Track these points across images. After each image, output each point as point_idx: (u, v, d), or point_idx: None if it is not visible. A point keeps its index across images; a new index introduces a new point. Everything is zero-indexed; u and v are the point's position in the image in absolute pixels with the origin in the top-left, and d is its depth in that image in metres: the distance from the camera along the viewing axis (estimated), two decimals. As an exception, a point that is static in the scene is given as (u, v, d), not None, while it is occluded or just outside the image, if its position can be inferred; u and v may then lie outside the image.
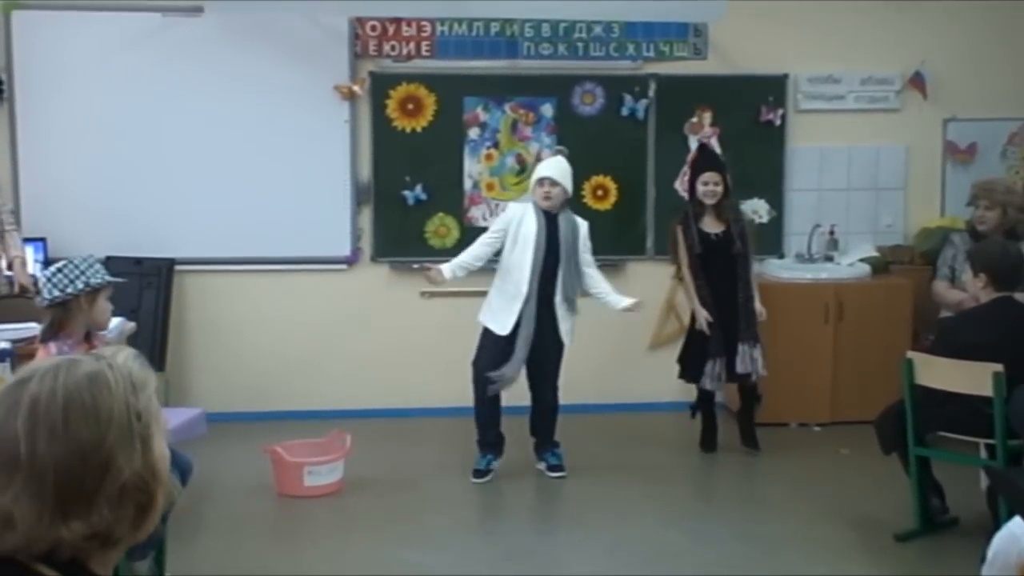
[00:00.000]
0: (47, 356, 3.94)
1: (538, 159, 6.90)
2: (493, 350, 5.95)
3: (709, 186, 6.24)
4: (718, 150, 7.17)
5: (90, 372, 1.45)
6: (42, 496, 1.38)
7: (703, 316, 6.23)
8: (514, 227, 5.92)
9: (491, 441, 6.09)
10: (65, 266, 4.12)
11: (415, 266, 7.17)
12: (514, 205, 6.17)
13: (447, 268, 5.96)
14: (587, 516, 5.51)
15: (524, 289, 5.86)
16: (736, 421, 6.60)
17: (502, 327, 5.92)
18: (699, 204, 6.29)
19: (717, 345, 6.24)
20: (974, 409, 4.75)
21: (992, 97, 7.47)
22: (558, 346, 5.98)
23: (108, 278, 4.21)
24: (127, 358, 1.51)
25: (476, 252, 6.01)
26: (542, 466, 6.14)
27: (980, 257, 5.06)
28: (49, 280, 4.10)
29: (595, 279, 6.07)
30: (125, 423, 1.43)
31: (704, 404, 6.53)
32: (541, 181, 5.93)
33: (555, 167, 5.99)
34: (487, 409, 6.04)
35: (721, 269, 6.26)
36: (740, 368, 6.26)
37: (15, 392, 1.43)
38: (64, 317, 4.12)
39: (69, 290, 4.08)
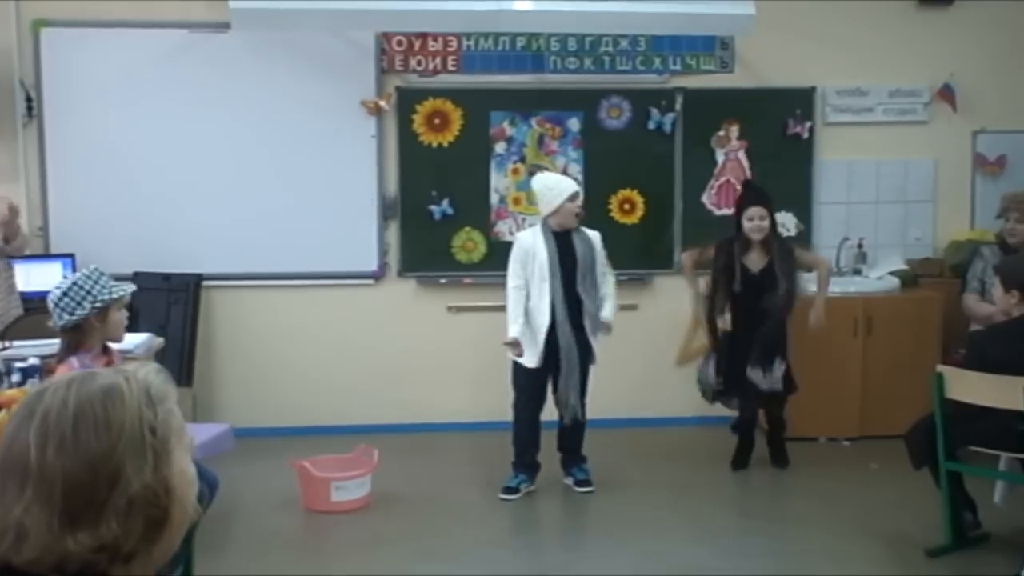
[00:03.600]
0: (68, 371, 3.96)
1: (531, 174, 6.82)
2: (529, 387, 5.93)
3: (755, 221, 6.15)
4: (745, 163, 7.16)
5: (105, 385, 1.45)
6: (50, 506, 1.39)
7: (723, 321, 6.20)
8: (530, 259, 5.85)
9: (528, 464, 6.05)
10: (71, 288, 4.08)
11: (442, 281, 7.20)
12: (523, 235, 6.06)
13: (515, 331, 5.83)
14: (615, 531, 5.47)
15: (546, 319, 5.80)
16: (766, 440, 6.56)
17: (530, 360, 5.87)
18: (745, 240, 6.23)
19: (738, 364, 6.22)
20: (1005, 423, 4.71)
21: (1021, 109, 7.41)
22: (585, 362, 5.95)
23: (116, 292, 4.16)
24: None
25: (518, 301, 5.86)
26: (569, 481, 6.11)
27: (1010, 272, 5.02)
28: (57, 305, 4.07)
29: (604, 296, 5.99)
30: (137, 436, 1.43)
31: (745, 426, 6.49)
32: (573, 196, 5.85)
33: (573, 182, 5.97)
34: (528, 433, 5.99)
35: (756, 304, 6.17)
36: (764, 386, 6.23)
37: (31, 404, 1.45)
38: (79, 337, 4.12)
39: (78, 312, 4.06)
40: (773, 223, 6.25)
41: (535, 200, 6.04)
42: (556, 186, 5.95)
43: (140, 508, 1.42)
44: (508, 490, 6.00)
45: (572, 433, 6.08)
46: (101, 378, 1.47)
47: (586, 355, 5.93)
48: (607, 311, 5.96)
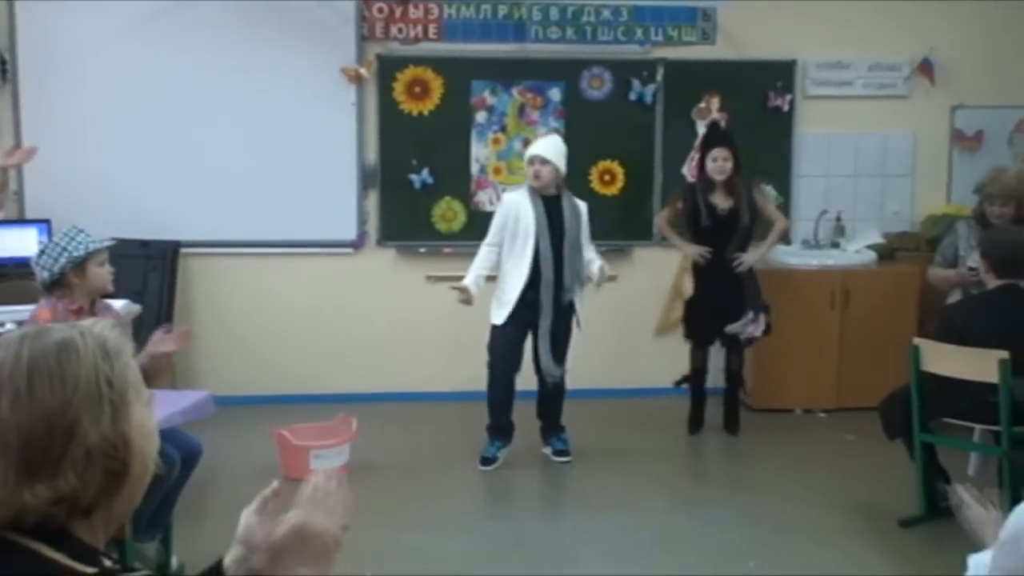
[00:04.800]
0: (48, 315, 4.03)
1: (524, 141, 6.88)
2: (503, 348, 5.93)
3: (718, 162, 6.25)
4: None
5: (59, 340, 1.46)
6: (6, 459, 1.40)
7: (696, 251, 6.31)
8: (512, 221, 5.87)
9: (502, 427, 6.07)
10: (47, 246, 4.24)
11: (421, 250, 7.19)
12: (508, 196, 6.10)
13: (470, 283, 5.87)
14: (593, 501, 5.51)
15: (522, 280, 5.81)
16: (723, 399, 6.64)
17: (498, 317, 5.90)
18: (709, 181, 6.29)
19: (721, 311, 6.34)
20: (979, 396, 4.76)
21: (999, 85, 7.45)
22: (567, 330, 5.97)
23: (91, 247, 4.26)
24: (104, 327, 1.52)
25: (487, 260, 5.94)
26: (548, 451, 6.15)
27: (984, 244, 5.10)
28: (36, 263, 4.22)
29: (589, 263, 6.02)
30: (93, 389, 1.44)
31: (696, 380, 6.57)
32: (531, 160, 5.87)
33: (546, 145, 5.95)
34: (503, 394, 6.01)
35: (723, 242, 6.29)
36: (744, 333, 6.36)
37: None
38: (61, 291, 4.24)
39: (56, 269, 4.19)
40: (738, 165, 6.29)
41: None
42: (529, 149, 6.01)
43: (98, 460, 1.43)
44: (485, 460, 6.03)
45: (551, 401, 6.11)
46: (55, 332, 1.48)
47: (567, 320, 5.94)
48: (597, 265, 5.95)
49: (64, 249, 4.20)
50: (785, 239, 7.27)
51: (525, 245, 5.84)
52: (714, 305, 6.36)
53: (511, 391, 6.01)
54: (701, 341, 6.53)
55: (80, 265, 4.22)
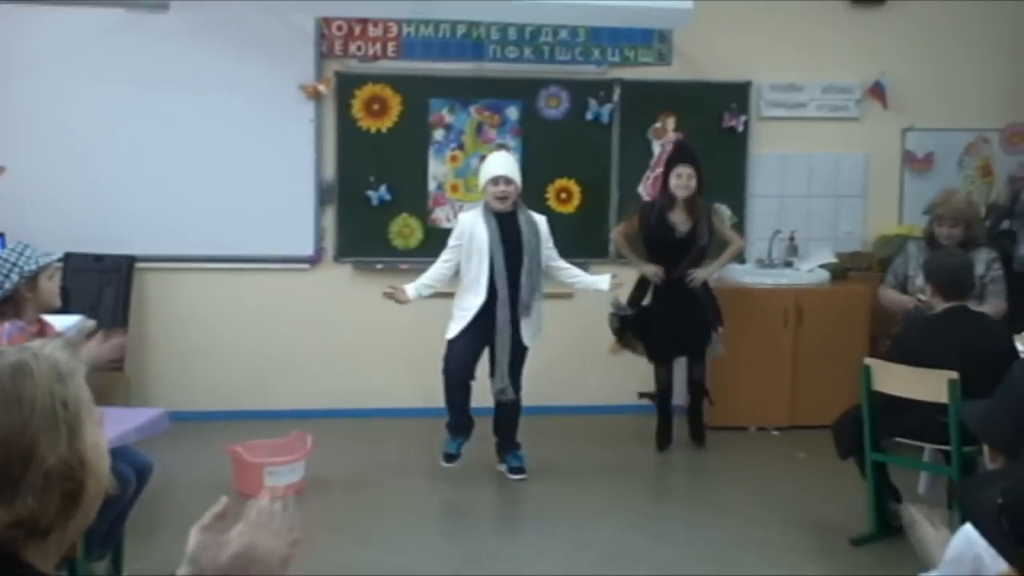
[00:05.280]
0: (21, 339, 3.98)
1: (481, 159, 6.92)
2: (458, 353, 5.95)
3: (683, 179, 6.31)
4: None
5: (13, 362, 1.46)
6: None
7: (652, 271, 6.38)
8: (467, 239, 5.90)
9: (462, 424, 6.08)
10: None
11: (378, 266, 7.19)
12: (463, 216, 6.10)
13: (411, 288, 5.92)
14: (547, 518, 5.53)
15: (480, 299, 5.85)
16: (687, 412, 6.71)
17: (451, 331, 5.94)
18: (671, 197, 6.34)
19: (679, 328, 6.45)
20: (929, 415, 4.82)
21: (950, 108, 7.57)
22: (521, 347, 6.00)
23: (41, 261, 4.22)
24: (55, 348, 1.52)
25: (437, 273, 5.98)
26: (503, 468, 6.16)
27: (928, 268, 5.19)
28: None
29: (568, 270, 6.14)
30: (49, 411, 1.44)
31: (662, 397, 6.63)
32: (495, 180, 5.86)
33: (507, 164, 5.97)
34: (459, 394, 6.01)
35: (678, 261, 6.37)
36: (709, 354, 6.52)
37: None
38: (12, 309, 4.18)
39: (7, 285, 4.14)
40: (700, 184, 6.35)
41: None
42: (485, 167, 6.04)
43: (56, 482, 1.43)
44: (449, 456, 6.07)
45: (507, 418, 6.12)
46: (8, 355, 1.47)
47: (513, 347, 5.96)
48: (592, 279, 6.14)
49: (14, 265, 4.15)
50: (740, 258, 7.34)
51: (481, 264, 5.86)
52: (673, 321, 6.42)
53: (466, 391, 6.01)
54: (664, 359, 6.58)
55: (32, 280, 4.18)
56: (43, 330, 4.26)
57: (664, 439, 6.66)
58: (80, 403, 1.49)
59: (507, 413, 6.12)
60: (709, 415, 6.92)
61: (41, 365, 1.47)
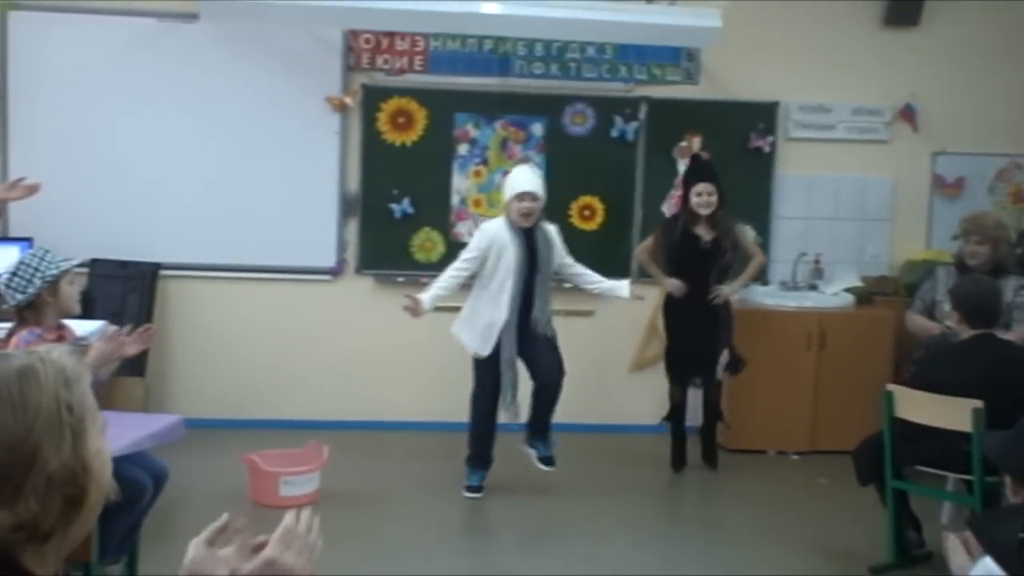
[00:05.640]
0: (16, 347, 3.98)
1: (505, 175, 6.91)
2: (486, 379, 5.92)
3: (703, 196, 6.29)
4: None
5: (20, 366, 1.46)
6: None
7: (674, 284, 6.33)
8: (496, 249, 5.83)
9: (482, 458, 6.04)
10: (19, 268, 4.19)
11: (400, 279, 7.18)
12: (487, 226, 6.02)
13: (426, 299, 5.82)
14: (561, 535, 5.49)
15: (504, 313, 5.82)
16: (700, 434, 6.66)
17: (483, 348, 5.89)
18: (693, 214, 6.31)
19: (698, 346, 6.40)
20: (952, 444, 4.76)
21: (981, 132, 7.50)
22: (550, 339, 5.96)
23: (63, 266, 4.24)
24: (61, 353, 1.51)
25: (451, 281, 5.91)
26: (532, 453, 6.05)
27: (954, 294, 5.12)
28: (8, 286, 4.18)
29: (587, 276, 6.11)
30: (54, 416, 1.43)
31: (675, 415, 6.58)
32: (521, 196, 5.78)
33: (533, 178, 5.91)
34: (484, 427, 5.99)
35: (702, 274, 6.32)
36: (719, 374, 6.48)
37: None
38: (33, 314, 4.21)
39: (29, 290, 4.16)
40: (721, 200, 6.33)
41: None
42: (510, 181, 5.96)
43: (59, 487, 1.42)
44: (472, 488, 6.01)
45: (547, 395, 5.95)
46: (15, 359, 1.47)
47: (543, 337, 5.93)
48: (612, 284, 6.07)
49: (36, 270, 4.17)
50: (763, 279, 7.30)
51: (506, 280, 5.82)
52: (691, 341, 6.38)
53: (493, 425, 6.00)
54: (680, 379, 6.54)
55: (53, 285, 4.20)
56: (62, 336, 4.28)
57: (679, 460, 6.61)
58: (85, 408, 1.49)
59: (550, 398, 5.95)
60: (727, 438, 6.88)
61: (48, 370, 1.47)
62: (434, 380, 7.02)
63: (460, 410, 6.12)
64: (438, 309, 6.36)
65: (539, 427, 6.05)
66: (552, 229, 6.01)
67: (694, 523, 6.00)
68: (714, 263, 6.34)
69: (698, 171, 6.51)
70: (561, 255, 6.01)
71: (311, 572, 1.74)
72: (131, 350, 4.29)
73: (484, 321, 5.88)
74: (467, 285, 6.01)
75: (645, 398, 6.81)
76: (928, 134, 7.50)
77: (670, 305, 6.49)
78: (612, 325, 7.25)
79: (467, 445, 6.08)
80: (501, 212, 6.02)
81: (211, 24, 6.66)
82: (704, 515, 6.14)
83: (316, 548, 1.80)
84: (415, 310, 5.80)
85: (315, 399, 7.21)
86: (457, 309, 6.07)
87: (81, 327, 4.93)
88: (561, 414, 6.59)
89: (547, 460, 6.05)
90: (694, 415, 6.72)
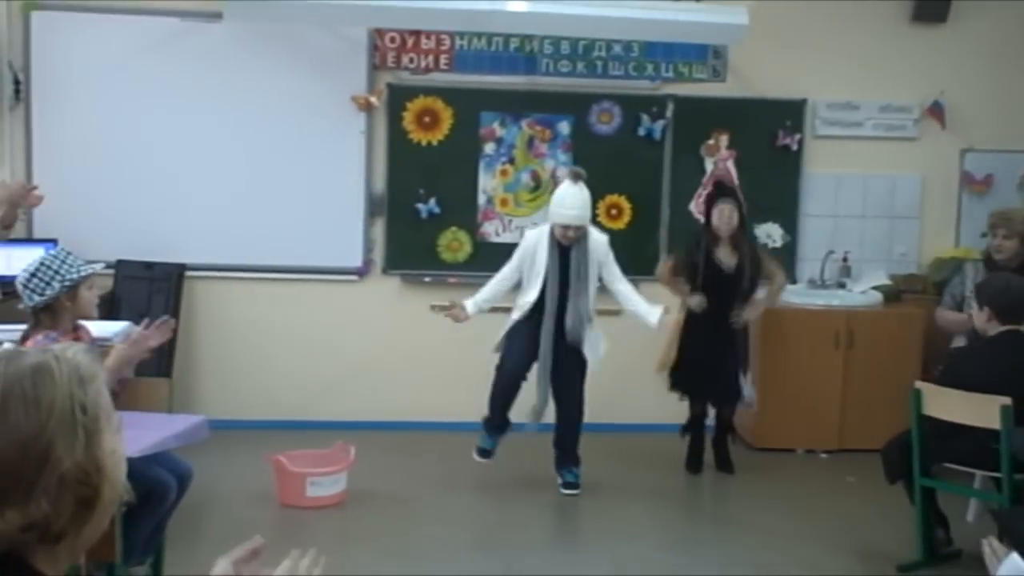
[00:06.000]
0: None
1: (554, 177, 6.96)
2: (519, 339, 5.98)
3: (724, 215, 6.27)
4: (734, 173, 7.17)
5: (34, 364, 1.44)
6: None
7: (697, 301, 6.29)
8: (529, 257, 5.95)
9: (499, 425, 6.13)
10: (39, 269, 4.10)
11: (426, 279, 7.19)
12: (530, 233, 6.13)
13: (471, 305, 5.98)
14: (590, 537, 5.48)
15: (527, 310, 5.93)
16: (712, 443, 6.62)
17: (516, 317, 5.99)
18: (714, 235, 6.29)
19: (712, 368, 6.37)
20: (981, 442, 4.72)
21: (1010, 129, 7.43)
22: (581, 364, 5.99)
23: (84, 271, 4.18)
24: (77, 352, 1.50)
25: (497, 288, 6.06)
26: (558, 481, 6.13)
27: (984, 291, 5.06)
28: (26, 286, 4.10)
29: (624, 295, 6.11)
30: (68, 414, 1.42)
31: (695, 426, 6.57)
32: (565, 227, 5.88)
33: (578, 209, 5.90)
34: (509, 391, 6.05)
35: (726, 300, 6.28)
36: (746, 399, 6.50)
37: None
38: (50, 317, 4.15)
39: (48, 292, 4.09)
40: (743, 221, 6.30)
41: None
42: (556, 203, 5.99)
43: (71, 487, 1.41)
44: (483, 452, 6.14)
45: (567, 432, 6.10)
46: (30, 357, 1.46)
47: (573, 361, 5.97)
48: (644, 307, 6.05)
49: (56, 272, 4.10)
50: (791, 278, 7.26)
51: (535, 284, 5.92)
52: (706, 363, 6.37)
53: (515, 390, 6.06)
54: (696, 399, 6.54)
55: (72, 289, 4.15)
56: (79, 337, 4.21)
57: (695, 465, 6.58)
58: (99, 408, 1.48)
59: (567, 427, 6.10)
60: (756, 437, 6.86)
61: (62, 368, 1.46)
62: (461, 381, 7.01)
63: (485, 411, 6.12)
64: (467, 319, 6.35)
65: (564, 453, 6.15)
66: (601, 240, 6.05)
67: (723, 523, 5.95)
68: (737, 289, 6.30)
69: (720, 190, 6.56)
70: (606, 267, 6.04)
71: None
72: (152, 343, 4.28)
73: (523, 309, 5.97)
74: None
75: (671, 397, 6.76)
76: (956, 131, 7.44)
77: (687, 323, 6.44)
78: (639, 324, 7.20)
79: (487, 407, 6.13)
80: (532, 212, 6.08)
81: (235, 24, 6.67)
82: (733, 515, 6.09)
83: None
84: (457, 316, 5.96)
85: (341, 399, 7.21)
86: (491, 311, 6.13)
87: (106, 328, 4.95)
88: (589, 415, 6.59)
89: (571, 486, 6.10)
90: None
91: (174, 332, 6.69)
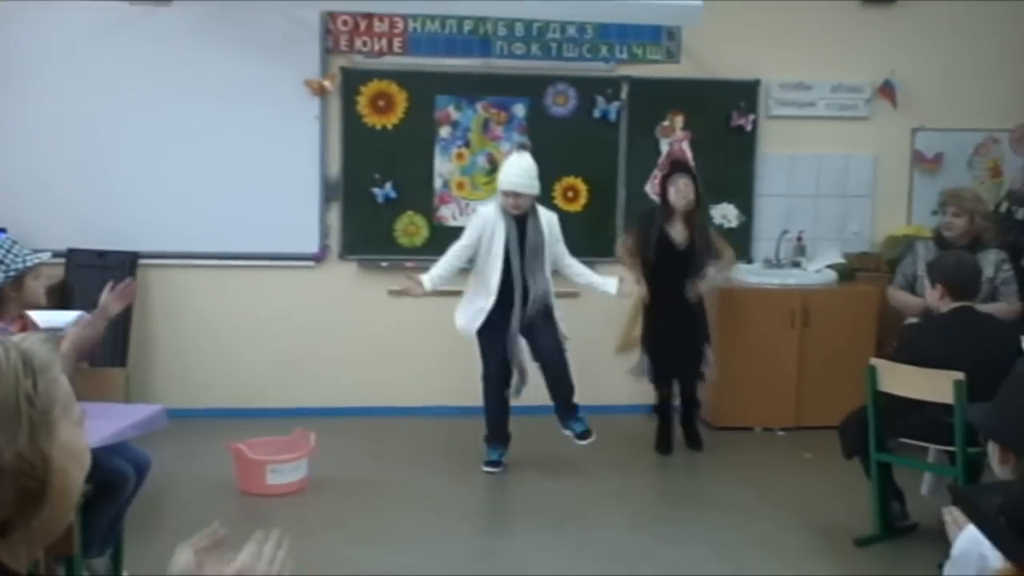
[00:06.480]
0: None
1: (488, 157, 6.97)
2: (492, 358, 6.05)
3: (681, 190, 6.30)
4: (689, 154, 7.19)
5: None
6: None
7: (642, 294, 6.37)
8: (488, 233, 5.96)
9: (500, 436, 6.17)
10: None
11: (384, 264, 7.16)
12: (483, 209, 6.16)
13: (427, 280, 5.99)
14: (552, 517, 5.50)
15: (492, 298, 5.93)
16: (680, 421, 6.69)
17: (470, 327, 6.02)
18: (669, 210, 6.33)
19: (679, 344, 6.44)
20: (935, 416, 4.79)
21: (960, 108, 7.52)
22: (549, 313, 6.05)
23: (29, 261, 4.14)
24: (32, 342, 1.47)
25: (451, 263, 6.04)
26: (568, 434, 6.14)
27: (937, 268, 5.12)
28: None
29: (577, 269, 6.20)
30: (11, 406, 1.39)
31: (663, 407, 6.62)
32: (506, 193, 5.94)
33: (523, 176, 5.96)
34: (497, 406, 6.12)
35: (678, 275, 6.33)
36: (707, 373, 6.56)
37: None
38: None
39: None
40: (698, 197, 6.34)
41: None
42: (501, 173, 6.08)
43: (11, 479, 1.39)
44: (491, 463, 6.14)
45: (555, 381, 6.10)
46: None
47: (544, 319, 6.04)
48: (601, 280, 6.16)
49: (0, 262, 4.05)
50: (747, 258, 7.32)
51: (495, 264, 5.93)
52: (670, 342, 6.43)
53: (505, 402, 6.14)
54: (663, 380, 6.58)
55: (18, 280, 4.10)
56: (25, 327, 4.17)
57: (665, 446, 6.62)
58: (52, 400, 1.44)
59: (556, 375, 6.09)
60: (714, 416, 6.92)
61: (10, 358, 1.42)
62: (419, 365, 7.02)
63: (446, 394, 6.17)
64: (423, 294, 6.34)
65: (563, 405, 6.14)
66: (550, 218, 6.11)
67: (685, 501, 5.97)
68: (688, 266, 6.34)
69: (676, 165, 6.60)
70: (556, 245, 6.09)
71: None
72: (114, 309, 4.25)
73: (477, 304, 5.99)
74: (467, 269, 6.12)
75: (630, 379, 6.80)
76: (907, 110, 7.51)
77: (646, 304, 6.49)
78: (597, 306, 7.23)
79: (485, 424, 6.19)
80: (489, 195, 6.10)
81: (185, 8, 6.62)
82: (694, 492, 6.13)
83: (286, 568, 1.78)
84: (413, 291, 5.98)
85: (300, 386, 7.18)
86: (443, 293, 6.12)
87: (58, 317, 4.89)
88: (544, 396, 6.60)
89: (583, 435, 6.11)
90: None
91: (128, 320, 6.67)
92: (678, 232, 6.35)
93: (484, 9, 6.81)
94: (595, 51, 7.21)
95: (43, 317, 4.45)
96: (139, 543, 4.62)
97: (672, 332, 6.40)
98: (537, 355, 6.10)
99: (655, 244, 6.36)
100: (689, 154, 7.24)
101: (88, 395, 4.30)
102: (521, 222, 5.96)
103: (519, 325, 5.98)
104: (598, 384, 7.26)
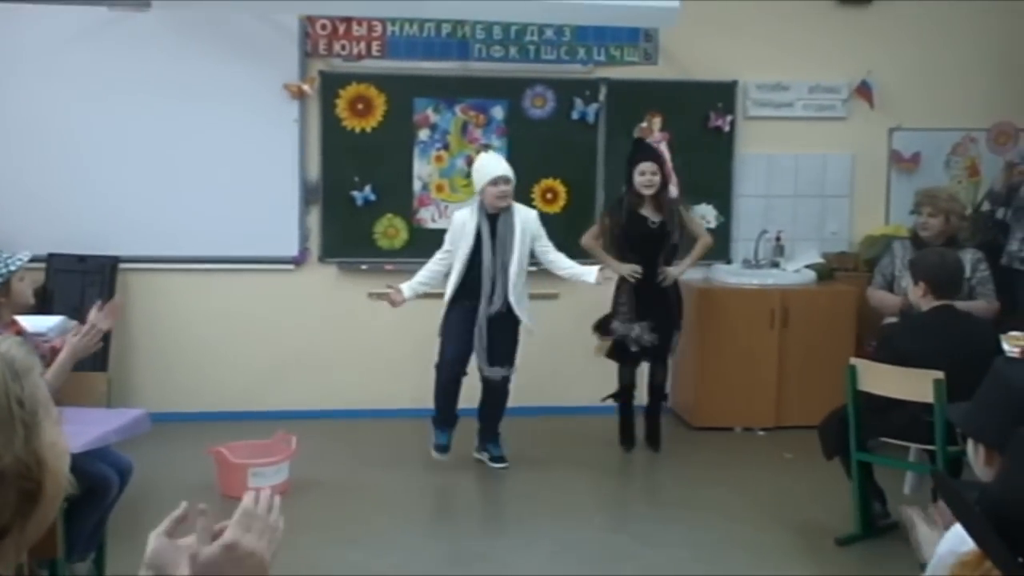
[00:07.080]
0: None
1: (467, 160, 6.97)
2: (449, 346, 6.08)
3: (646, 176, 6.30)
4: (667, 155, 7.20)
5: None
6: None
7: (629, 269, 6.34)
8: (459, 236, 6.04)
9: (448, 420, 6.17)
10: None
11: (363, 267, 7.16)
12: (458, 214, 6.21)
13: (407, 288, 6.06)
14: (533, 518, 5.51)
15: (469, 297, 6.01)
16: (645, 416, 6.67)
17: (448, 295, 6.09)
18: (637, 195, 6.33)
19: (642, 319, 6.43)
20: (915, 415, 4.81)
21: (937, 108, 7.56)
22: (509, 335, 6.07)
23: (12, 265, 4.16)
24: (11, 345, 1.48)
25: (432, 270, 6.14)
26: (484, 456, 6.21)
27: (919, 266, 5.13)
28: None
29: (562, 263, 6.22)
30: (4, 409, 1.40)
31: (624, 395, 6.60)
32: (496, 181, 5.96)
33: (504, 163, 6.10)
34: (451, 391, 6.13)
35: (652, 256, 6.34)
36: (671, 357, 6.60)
37: None
38: None
39: None
40: (664, 180, 6.37)
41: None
42: (482, 168, 6.12)
43: (12, 482, 1.39)
44: (440, 448, 6.17)
45: (491, 405, 6.18)
46: None
47: (507, 325, 6.06)
48: (581, 270, 6.17)
49: None
50: (726, 258, 7.35)
51: (462, 259, 6.00)
52: (643, 323, 6.40)
53: (458, 386, 6.13)
54: (630, 360, 6.56)
55: (4, 285, 4.12)
56: (19, 333, 4.19)
57: (628, 440, 6.63)
58: (37, 401, 1.45)
59: (491, 399, 6.16)
60: (694, 416, 6.94)
61: None
62: (399, 368, 7.01)
63: (427, 396, 6.14)
64: (404, 303, 6.35)
65: (487, 429, 6.24)
66: (528, 215, 6.15)
67: (666, 502, 5.98)
68: (662, 245, 6.36)
69: (641, 151, 6.57)
70: (537, 239, 6.14)
71: (272, 553, 1.70)
72: (104, 326, 4.27)
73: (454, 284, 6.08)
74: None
75: (611, 379, 6.81)
76: (885, 110, 7.55)
77: (619, 287, 6.51)
78: (576, 307, 7.23)
79: (433, 406, 6.19)
80: (468, 197, 6.10)
81: (164, 12, 6.59)
82: (674, 493, 6.14)
83: (278, 529, 1.75)
84: (394, 299, 6.03)
85: (280, 389, 7.18)
86: (424, 296, 6.19)
87: (40, 322, 4.88)
88: (528, 397, 6.64)
89: (500, 459, 6.19)
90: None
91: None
92: (650, 213, 6.36)
93: (462, 12, 6.81)
94: (573, 53, 7.23)
95: (27, 322, 4.44)
96: (122, 546, 4.59)
97: (644, 314, 6.37)
98: (483, 374, 6.14)
99: (625, 224, 6.36)
100: (668, 155, 7.24)
101: (70, 400, 4.30)
102: (493, 220, 6.01)
103: (485, 318, 6.00)
104: (574, 385, 7.29)
